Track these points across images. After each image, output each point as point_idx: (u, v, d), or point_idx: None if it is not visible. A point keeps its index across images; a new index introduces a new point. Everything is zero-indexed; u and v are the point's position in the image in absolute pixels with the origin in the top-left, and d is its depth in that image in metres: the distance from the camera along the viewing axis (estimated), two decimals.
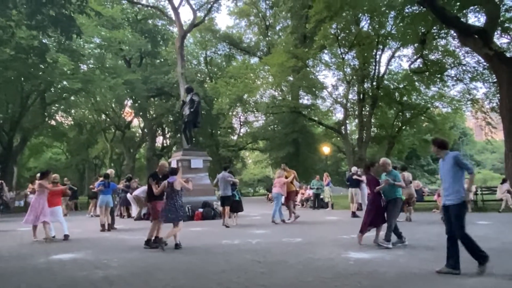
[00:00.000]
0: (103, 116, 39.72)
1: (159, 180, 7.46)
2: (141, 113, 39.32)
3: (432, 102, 27.98)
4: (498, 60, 17.02)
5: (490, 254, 4.60)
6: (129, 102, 39.00)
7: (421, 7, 19.41)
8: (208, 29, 38.53)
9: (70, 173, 41.78)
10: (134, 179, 17.32)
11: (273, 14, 38.18)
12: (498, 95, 20.29)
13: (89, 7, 12.08)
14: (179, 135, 34.02)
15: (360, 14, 25.23)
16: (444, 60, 25.25)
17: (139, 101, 35.86)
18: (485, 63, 21.54)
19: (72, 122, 38.74)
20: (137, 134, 46.14)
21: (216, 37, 40.29)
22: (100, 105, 34.40)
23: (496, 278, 4.32)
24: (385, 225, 6.72)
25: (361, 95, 27.32)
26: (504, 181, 14.41)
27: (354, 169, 13.88)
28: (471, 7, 20.00)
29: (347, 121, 30.36)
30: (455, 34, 21.04)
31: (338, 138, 34.42)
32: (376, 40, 25.00)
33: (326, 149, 31.08)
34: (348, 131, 30.96)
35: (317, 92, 31.65)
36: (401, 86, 27.64)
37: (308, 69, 28.45)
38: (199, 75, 40.42)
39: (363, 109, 27.58)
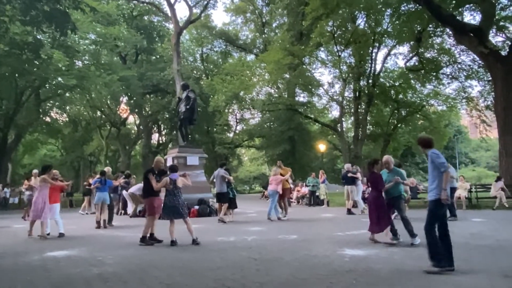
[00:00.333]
0: (99, 113, 39.50)
1: (157, 176, 7.44)
2: (136, 110, 39.16)
3: (427, 100, 28.15)
4: (493, 58, 17.12)
5: (484, 251, 4.61)
6: (124, 99, 38.79)
7: (417, 5, 19.48)
8: (204, 26, 38.39)
9: (65, 170, 41.49)
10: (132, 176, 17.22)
11: (269, 11, 38.13)
12: (492, 93, 20.42)
13: (84, 2, 12.00)
14: (175, 132, 33.92)
15: (357, 12, 25.32)
16: (439, 58, 25.41)
17: (134, 98, 35.68)
18: (480, 61, 21.67)
19: (67, 119, 38.42)
20: (133, 131, 45.97)
21: (212, 34, 40.16)
22: (95, 101, 34.23)
23: (490, 275, 4.34)
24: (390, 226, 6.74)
25: (357, 93, 27.42)
26: (498, 178, 14.54)
27: (347, 166, 13.80)
28: (467, 5, 20.13)
29: (343, 119, 30.43)
30: (450, 32, 21.16)
31: (334, 136, 34.54)
32: (372, 37, 25.08)
33: (322, 147, 31.11)
34: (344, 129, 31.02)
35: (313, 89, 31.63)
36: (396, 84, 27.77)
37: (304, 66, 28.47)
38: (195, 72, 40.24)
39: (359, 106, 27.68)
